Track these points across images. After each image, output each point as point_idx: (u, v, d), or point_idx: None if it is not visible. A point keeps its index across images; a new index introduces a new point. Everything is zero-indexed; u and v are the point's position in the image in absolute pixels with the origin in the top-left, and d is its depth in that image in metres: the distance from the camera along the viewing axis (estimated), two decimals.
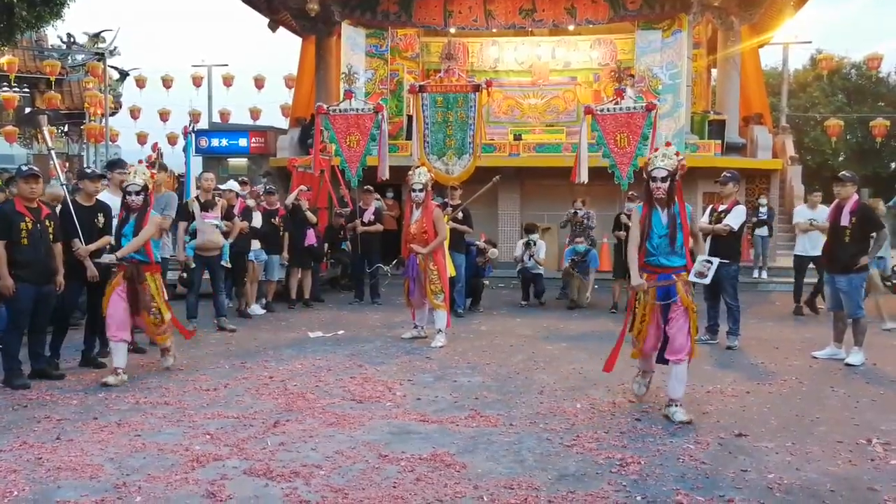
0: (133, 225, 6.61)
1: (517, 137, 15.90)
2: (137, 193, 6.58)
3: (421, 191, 8.52)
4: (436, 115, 11.03)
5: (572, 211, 11.81)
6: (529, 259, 11.54)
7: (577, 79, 17.99)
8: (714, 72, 19.10)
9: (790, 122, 23.28)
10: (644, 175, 5.80)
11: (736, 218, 8.44)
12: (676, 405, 5.63)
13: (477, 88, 11.02)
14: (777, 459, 4.77)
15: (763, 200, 15.10)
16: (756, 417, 5.72)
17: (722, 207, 8.60)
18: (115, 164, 8.20)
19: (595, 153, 10.90)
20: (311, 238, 11.31)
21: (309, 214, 11.36)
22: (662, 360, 5.84)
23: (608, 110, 10.60)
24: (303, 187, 11.76)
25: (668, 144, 6.17)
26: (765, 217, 14.70)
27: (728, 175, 8.66)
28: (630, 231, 5.91)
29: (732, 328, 8.54)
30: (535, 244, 11.60)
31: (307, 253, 11.37)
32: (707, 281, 5.99)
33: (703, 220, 8.87)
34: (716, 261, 5.99)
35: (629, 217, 10.80)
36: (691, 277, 5.75)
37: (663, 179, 5.64)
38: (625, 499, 4.10)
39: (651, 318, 5.77)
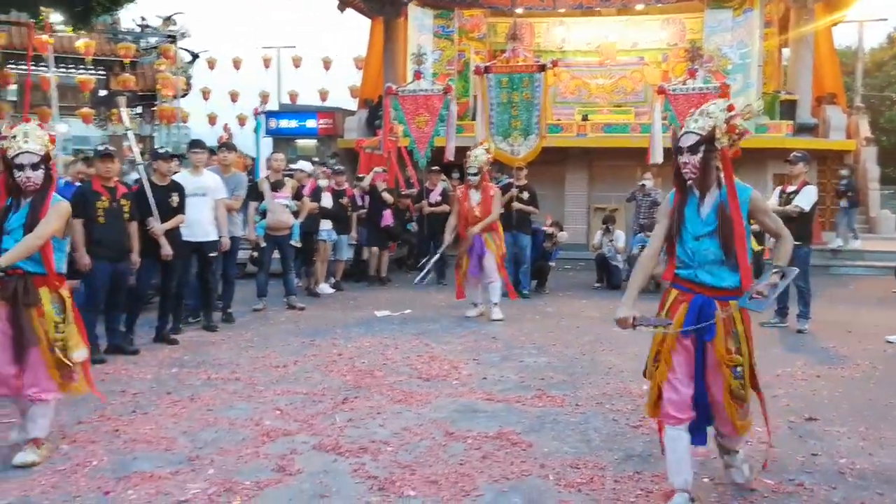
0: (26, 214, 4.36)
1: (584, 118, 15.73)
2: (35, 167, 4.32)
3: (476, 174, 8.59)
4: (501, 95, 10.96)
5: (641, 183, 11.63)
6: (609, 246, 11.45)
7: (644, 59, 17.66)
8: (786, 51, 18.51)
9: (865, 102, 22.49)
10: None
11: (806, 199, 8.19)
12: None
13: (542, 68, 10.91)
14: (849, 444, 4.65)
15: (845, 171, 14.62)
16: (827, 402, 5.58)
17: (791, 188, 8.36)
18: (194, 144, 8.34)
19: (667, 133, 10.70)
20: (387, 218, 11.47)
21: (386, 195, 11.51)
22: (700, 434, 3.83)
23: (680, 90, 10.41)
24: (378, 168, 11.88)
25: (724, 90, 4.94)
26: (845, 188, 14.25)
27: (798, 155, 8.42)
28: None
29: (803, 311, 8.32)
30: (613, 231, 11.52)
31: (384, 233, 11.53)
32: (762, 308, 3.70)
33: (773, 202, 8.68)
34: (792, 271, 3.77)
35: None
36: (743, 303, 3.63)
37: (692, 149, 3.64)
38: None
39: (673, 360, 3.71)
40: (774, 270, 3.69)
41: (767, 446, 4.02)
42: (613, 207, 14.30)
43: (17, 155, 4.32)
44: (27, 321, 4.26)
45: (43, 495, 3.83)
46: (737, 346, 3.65)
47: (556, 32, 17.93)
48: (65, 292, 4.46)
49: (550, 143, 12.51)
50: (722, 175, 3.67)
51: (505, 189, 9.94)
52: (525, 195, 10.48)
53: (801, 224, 8.27)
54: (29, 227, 4.30)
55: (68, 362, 4.38)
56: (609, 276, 11.49)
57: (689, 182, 3.72)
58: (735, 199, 3.63)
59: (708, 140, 3.62)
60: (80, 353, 4.47)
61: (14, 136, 4.36)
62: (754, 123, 14.29)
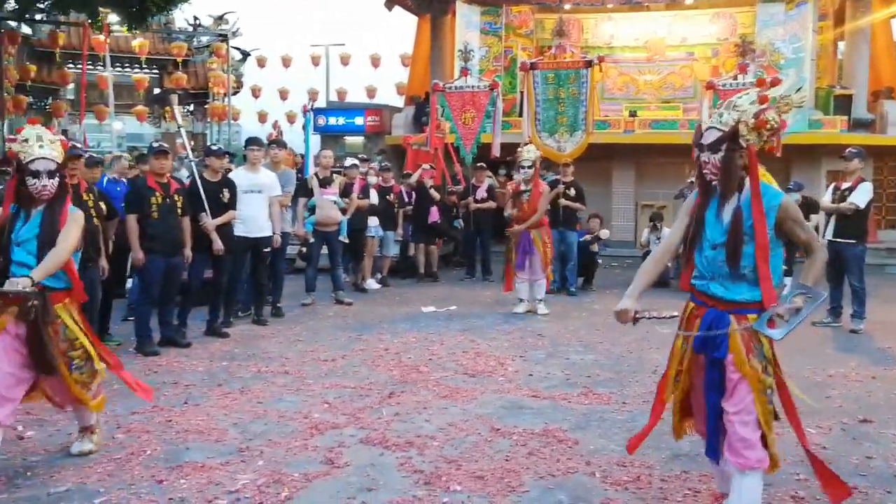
0: (38, 224, 4.05)
1: (632, 114, 15.56)
2: (51, 174, 4.01)
3: (530, 167, 8.60)
4: (547, 91, 10.92)
5: (689, 181, 11.47)
6: (657, 244, 11.32)
7: (694, 54, 17.38)
8: (841, 45, 18.05)
9: None
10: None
11: (861, 195, 8.03)
12: None
13: (589, 64, 10.84)
14: None
15: None
16: (882, 403, 5.47)
17: (846, 185, 8.20)
18: (251, 141, 8.45)
19: None
20: (434, 215, 11.53)
21: (433, 192, 11.57)
22: (713, 453, 3.59)
23: (730, 85, 10.26)
24: (425, 165, 11.95)
25: (760, 83, 4.23)
26: None
27: (853, 150, 8.24)
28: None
29: (857, 311, 8.14)
30: (661, 229, 11.40)
31: (431, 229, 11.60)
32: (779, 335, 3.27)
33: (826, 199, 8.54)
34: (819, 295, 3.31)
35: None
36: (758, 326, 3.26)
37: (712, 147, 3.31)
38: None
39: (689, 378, 3.59)
40: (799, 292, 3.22)
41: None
42: (661, 205, 14.11)
43: (32, 161, 3.97)
44: (48, 340, 3.95)
45: (99, 483, 3.94)
46: (763, 364, 3.28)
47: (604, 28, 17.76)
48: (76, 305, 4.20)
49: (597, 140, 12.43)
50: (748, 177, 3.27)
51: (552, 186, 9.91)
52: (572, 192, 10.44)
53: (856, 222, 8.13)
54: (44, 238, 3.97)
55: (93, 371, 4.20)
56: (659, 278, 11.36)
57: (714, 183, 3.38)
58: (759, 203, 3.22)
59: (731, 137, 3.25)
60: (99, 363, 4.26)
61: (26, 140, 4.00)
62: (808, 119, 13.99)
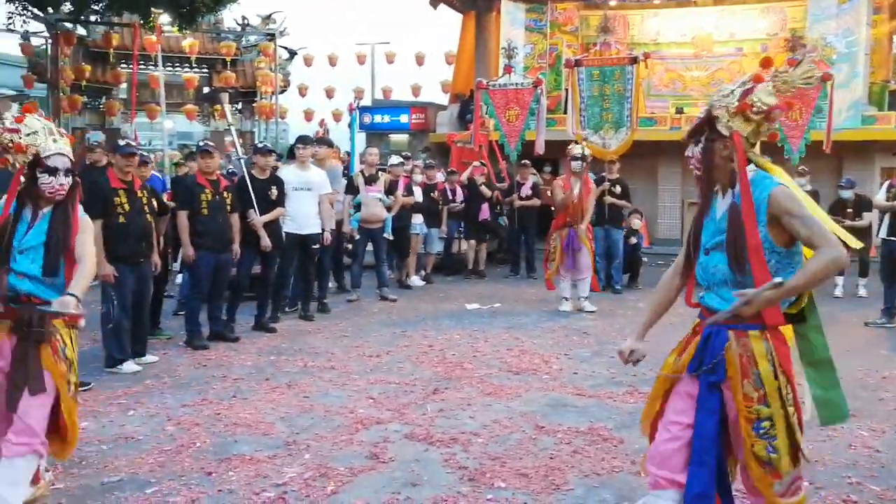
0: (46, 230, 3.48)
1: (679, 111, 15.36)
2: (67, 172, 3.50)
3: (580, 159, 8.59)
4: (592, 88, 10.84)
5: None
6: None
7: (743, 50, 17.10)
8: None
9: None
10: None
11: None
12: None
13: (634, 61, 10.73)
14: None
15: None
16: None
17: None
18: (299, 140, 8.57)
19: None
20: (485, 212, 11.57)
21: (484, 189, 11.62)
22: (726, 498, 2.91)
23: None
24: (476, 163, 11.97)
25: (766, 63, 3.90)
26: None
27: None
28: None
29: None
30: None
31: (481, 226, 11.64)
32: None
33: (881, 197, 8.37)
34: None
35: None
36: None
37: (692, 137, 2.90)
38: None
39: (666, 402, 3.06)
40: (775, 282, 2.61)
41: None
42: None
43: (50, 156, 3.46)
44: (34, 361, 3.30)
45: (150, 473, 4.04)
46: (759, 391, 2.73)
47: (650, 24, 17.55)
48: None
49: (643, 137, 12.30)
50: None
51: (597, 183, 9.85)
52: (617, 189, 10.36)
53: None
54: (54, 244, 3.43)
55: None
56: None
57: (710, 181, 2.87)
58: (748, 197, 2.72)
59: (707, 123, 2.83)
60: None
61: (35, 132, 3.47)
62: (861, 114, 13.66)
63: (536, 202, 11.61)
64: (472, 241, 11.68)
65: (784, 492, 2.73)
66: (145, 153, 8.26)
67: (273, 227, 7.55)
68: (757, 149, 2.87)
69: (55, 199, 3.47)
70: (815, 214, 2.72)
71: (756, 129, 2.81)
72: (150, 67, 17.21)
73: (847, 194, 10.02)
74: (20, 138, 3.41)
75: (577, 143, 9.05)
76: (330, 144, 9.91)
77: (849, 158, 13.57)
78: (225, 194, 6.99)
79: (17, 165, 3.44)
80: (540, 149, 11.21)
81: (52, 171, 3.43)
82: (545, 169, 13.44)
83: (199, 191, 6.88)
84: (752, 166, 2.80)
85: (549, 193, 10.15)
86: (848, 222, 9.92)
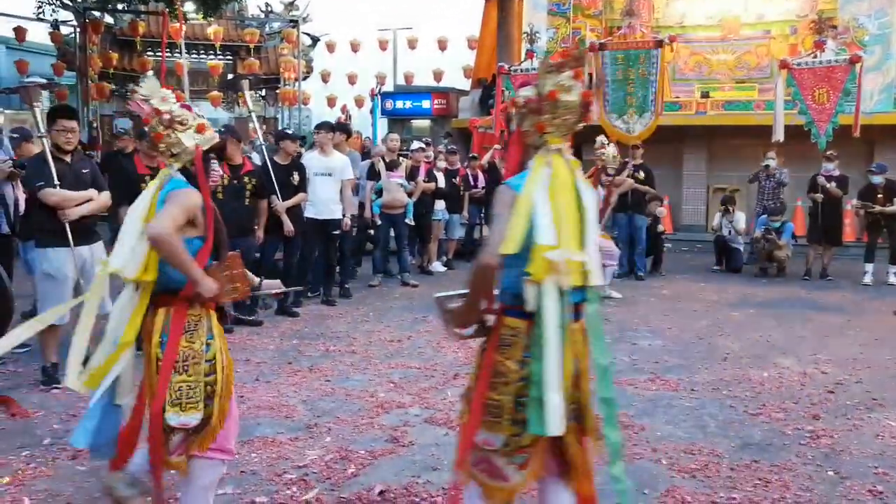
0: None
1: (704, 95, 15.19)
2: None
3: (613, 175, 8.71)
4: (616, 72, 10.74)
5: (764, 164, 11.13)
6: (728, 227, 11.08)
7: (771, 32, 16.81)
8: None
9: None
10: None
11: None
12: None
13: (659, 44, 10.60)
14: None
15: None
16: None
17: None
18: (319, 125, 8.60)
19: (791, 110, 10.22)
20: None
21: (505, 172, 11.54)
22: None
23: (806, 64, 9.89)
24: (497, 146, 11.92)
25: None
26: None
27: None
28: None
29: None
30: (733, 212, 11.12)
31: None
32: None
33: None
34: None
35: (826, 179, 10.15)
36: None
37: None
38: (814, 472, 3.91)
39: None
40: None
41: None
42: (734, 188, 13.78)
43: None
44: None
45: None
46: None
47: (676, 7, 17.32)
48: None
49: (668, 122, 12.18)
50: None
51: (620, 169, 9.76)
52: (641, 174, 10.26)
53: None
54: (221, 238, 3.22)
55: None
56: (728, 259, 11.12)
57: None
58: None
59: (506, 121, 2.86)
60: None
61: (186, 121, 3.08)
62: (893, 97, 13.39)
63: None
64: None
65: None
66: None
67: (296, 213, 7.58)
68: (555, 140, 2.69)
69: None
70: (518, 216, 2.53)
71: (520, 124, 2.74)
72: (175, 55, 17.29)
73: (878, 179, 9.85)
74: (202, 117, 3.15)
75: (609, 144, 8.86)
76: (346, 130, 9.88)
77: (881, 143, 13.34)
78: (246, 179, 6.99)
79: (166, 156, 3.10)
80: None
81: (210, 159, 3.23)
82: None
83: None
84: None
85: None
86: (878, 208, 9.80)
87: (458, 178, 11.10)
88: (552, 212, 2.57)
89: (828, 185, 10.13)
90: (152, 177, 5.99)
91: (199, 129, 3.11)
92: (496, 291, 2.67)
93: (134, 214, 3.04)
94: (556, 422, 2.47)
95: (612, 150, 8.66)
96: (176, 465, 2.99)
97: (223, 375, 3.02)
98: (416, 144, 10.35)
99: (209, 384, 2.96)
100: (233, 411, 3.13)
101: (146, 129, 3.12)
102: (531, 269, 2.51)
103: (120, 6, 19.28)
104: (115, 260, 2.97)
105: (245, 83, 9.72)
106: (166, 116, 3.01)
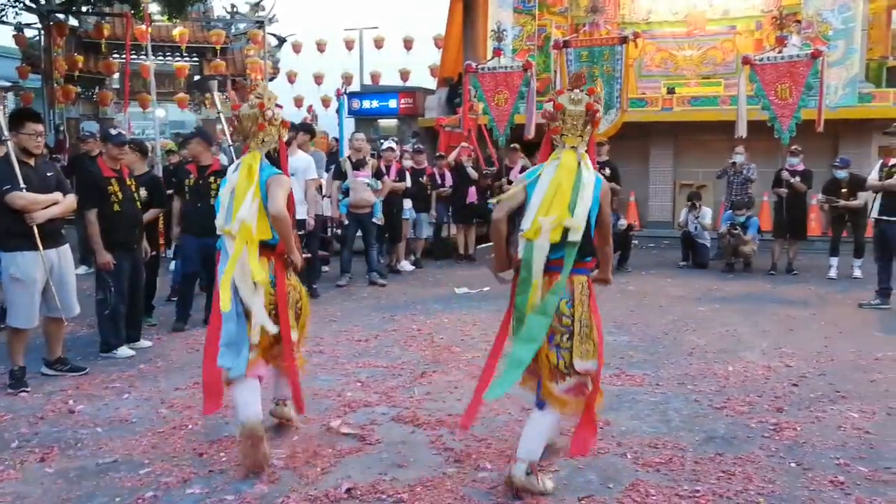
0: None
1: (670, 91, 15.26)
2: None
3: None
4: (581, 69, 10.76)
5: (731, 160, 11.24)
6: (695, 223, 11.15)
7: (736, 27, 16.93)
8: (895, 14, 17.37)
9: None
10: None
11: None
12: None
13: (624, 41, 10.66)
14: None
15: None
16: None
17: (893, 161, 7.97)
18: (298, 127, 8.74)
19: (754, 106, 10.32)
20: (472, 195, 11.52)
21: (471, 171, 11.57)
22: None
23: (768, 59, 9.97)
24: (463, 144, 11.91)
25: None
26: None
27: None
28: None
29: None
30: (699, 208, 11.20)
31: (469, 209, 11.60)
32: None
33: (874, 176, 8.31)
34: None
35: (791, 174, 10.27)
36: None
37: None
38: (777, 464, 3.95)
39: None
40: None
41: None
42: (700, 184, 13.90)
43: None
44: None
45: (144, 454, 4.10)
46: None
47: (642, 3, 17.33)
48: None
49: (634, 118, 12.24)
50: None
51: None
52: (607, 171, 10.28)
53: None
54: None
55: None
56: (695, 255, 11.21)
57: None
58: None
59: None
60: None
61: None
62: (858, 91, 13.53)
63: None
64: (461, 225, 11.65)
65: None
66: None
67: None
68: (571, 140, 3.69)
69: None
70: (515, 190, 3.75)
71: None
72: (141, 57, 17.09)
73: (842, 174, 9.97)
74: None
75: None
76: (309, 130, 9.81)
77: (846, 137, 13.49)
78: (212, 179, 6.95)
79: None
80: (530, 132, 11.15)
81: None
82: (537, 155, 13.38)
83: (184, 176, 7.11)
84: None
85: None
86: (843, 202, 9.92)
87: (425, 177, 11.09)
88: (549, 189, 3.56)
89: (792, 180, 10.25)
90: (117, 179, 6.05)
91: (284, 125, 4.30)
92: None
93: (235, 187, 4.07)
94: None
95: None
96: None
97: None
98: (386, 144, 10.31)
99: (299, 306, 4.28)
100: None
101: (236, 113, 4.18)
102: (526, 229, 3.56)
103: (84, 8, 19.03)
104: (240, 225, 3.94)
105: (214, 84, 9.64)
106: (269, 113, 4.12)
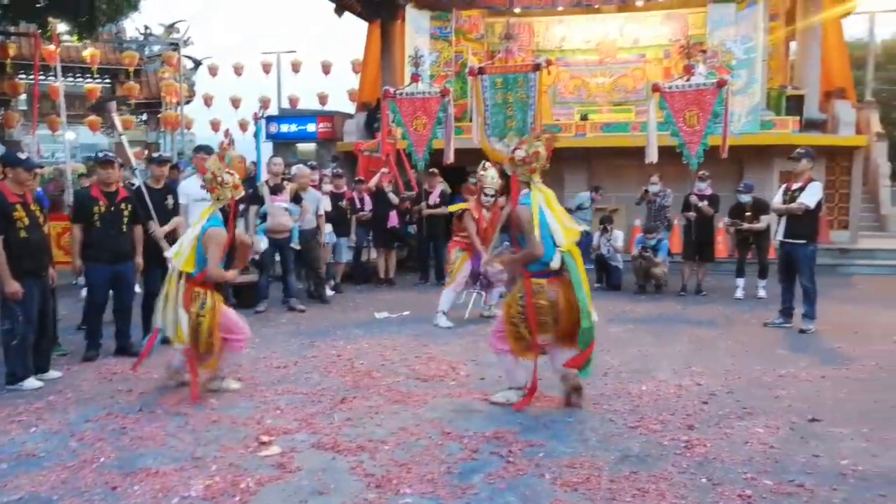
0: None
1: (583, 117, 15.67)
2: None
3: (493, 196, 8.56)
4: (496, 96, 10.94)
5: (645, 188, 11.61)
6: (607, 246, 11.43)
7: (646, 56, 17.53)
8: (793, 45, 18.27)
9: (876, 96, 22.15)
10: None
11: (811, 196, 8.15)
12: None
13: (537, 68, 10.87)
14: (852, 446, 4.63)
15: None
16: (831, 403, 5.56)
17: (796, 186, 8.33)
18: (198, 149, 8.56)
19: (664, 132, 10.67)
20: (393, 220, 11.55)
21: (392, 196, 11.60)
22: None
23: (677, 87, 10.34)
24: (384, 169, 11.94)
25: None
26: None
27: (801, 151, 8.40)
28: None
29: (808, 311, 8.22)
30: (611, 231, 11.49)
31: (390, 234, 11.61)
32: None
33: (777, 200, 8.64)
34: None
35: (699, 198, 10.67)
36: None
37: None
38: (688, 480, 4.07)
39: None
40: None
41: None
42: (613, 208, 14.27)
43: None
44: None
45: (53, 490, 3.93)
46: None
47: (556, 31, 17.82)
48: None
49: None
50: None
51: (501, 191, 9.90)
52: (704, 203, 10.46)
53: (806, 222, 8.22)
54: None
55: None
56: (608, 277, 11.50)
57: None
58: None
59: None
60: None
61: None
62: (759, 119, 14.15)
63: (444, 210, 11.63)
64: (382, 249, 11.66)
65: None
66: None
67: (175, 238, 7.37)
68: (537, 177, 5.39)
69: None
70: (534, 222, 5.17)
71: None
72: (50, 78, 16.58)
73: (745, 198, 10.40)
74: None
75: (490, 167, 8.75)
76: (209, 151, 9.62)
77: (749, 163, 14.09)
78: (122, 206, 6.83)
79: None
80: (449, 157, 11.24)
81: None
82: (470, 181, 13.49)
83: (92, 203, 6.79)
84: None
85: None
86: (747, 225, 10.35)
87: (344, 202, 11.07)
88: (553, 215, 5.25)
89: (700, 204, 10.65)
90: (22, 204, 5.85)
91: (235, 187, 5.74)
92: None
93: (190, 231, 5.83)
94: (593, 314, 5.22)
95: (492, 172, 8.63)
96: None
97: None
98: (300, 167, 10.23)
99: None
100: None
101: (204, 179, 5.92)
102: (565, 245, 5.18)
103: None
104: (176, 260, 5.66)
105: (112, 105, 9.42)
106: (220, 179, 5.65)
